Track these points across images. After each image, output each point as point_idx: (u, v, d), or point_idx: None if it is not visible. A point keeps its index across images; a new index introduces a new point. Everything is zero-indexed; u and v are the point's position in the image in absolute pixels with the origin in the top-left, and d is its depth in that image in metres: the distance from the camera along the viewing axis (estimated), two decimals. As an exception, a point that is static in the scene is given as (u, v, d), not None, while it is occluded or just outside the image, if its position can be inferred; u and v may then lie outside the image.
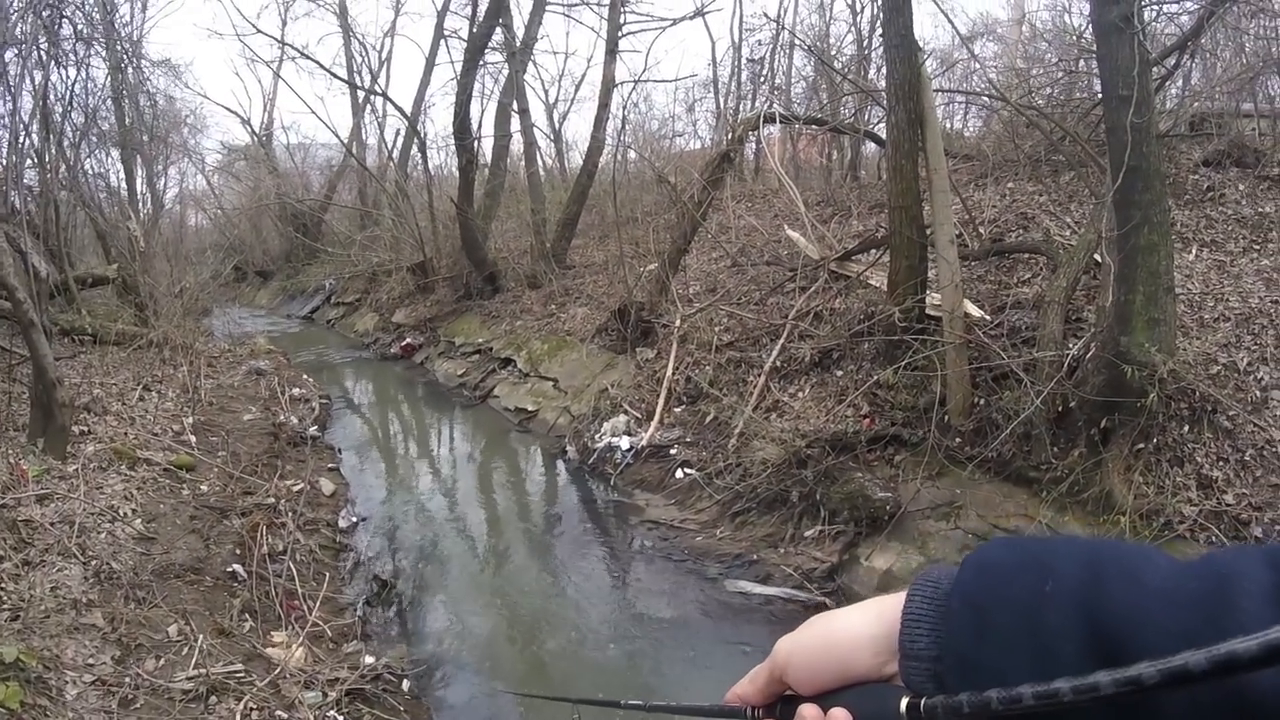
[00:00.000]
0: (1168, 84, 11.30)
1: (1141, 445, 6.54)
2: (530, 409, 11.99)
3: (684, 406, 9.95)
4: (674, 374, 10.29)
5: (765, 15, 21.36)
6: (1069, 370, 7.03)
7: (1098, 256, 7.85)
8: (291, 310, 25.98)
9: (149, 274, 14.35)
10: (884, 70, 9.34)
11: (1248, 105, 11.78)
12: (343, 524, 8.33)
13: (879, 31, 10.62)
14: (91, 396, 9.45)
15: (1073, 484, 6.59)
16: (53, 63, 13.05)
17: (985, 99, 14.05)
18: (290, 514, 7.87)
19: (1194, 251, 9.09)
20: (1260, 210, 9.49)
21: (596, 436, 10.04)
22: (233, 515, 7.56)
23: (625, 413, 10.21)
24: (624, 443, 9.65)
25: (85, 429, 8.53)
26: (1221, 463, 6.45)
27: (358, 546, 7.90)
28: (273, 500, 8.10)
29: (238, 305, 25.76)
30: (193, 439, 9.39)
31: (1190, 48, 10.63)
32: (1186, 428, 6.66)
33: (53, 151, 13.22)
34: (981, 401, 7.66)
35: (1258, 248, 8.97)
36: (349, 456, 10.79)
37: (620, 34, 18.05)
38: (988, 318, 8.44)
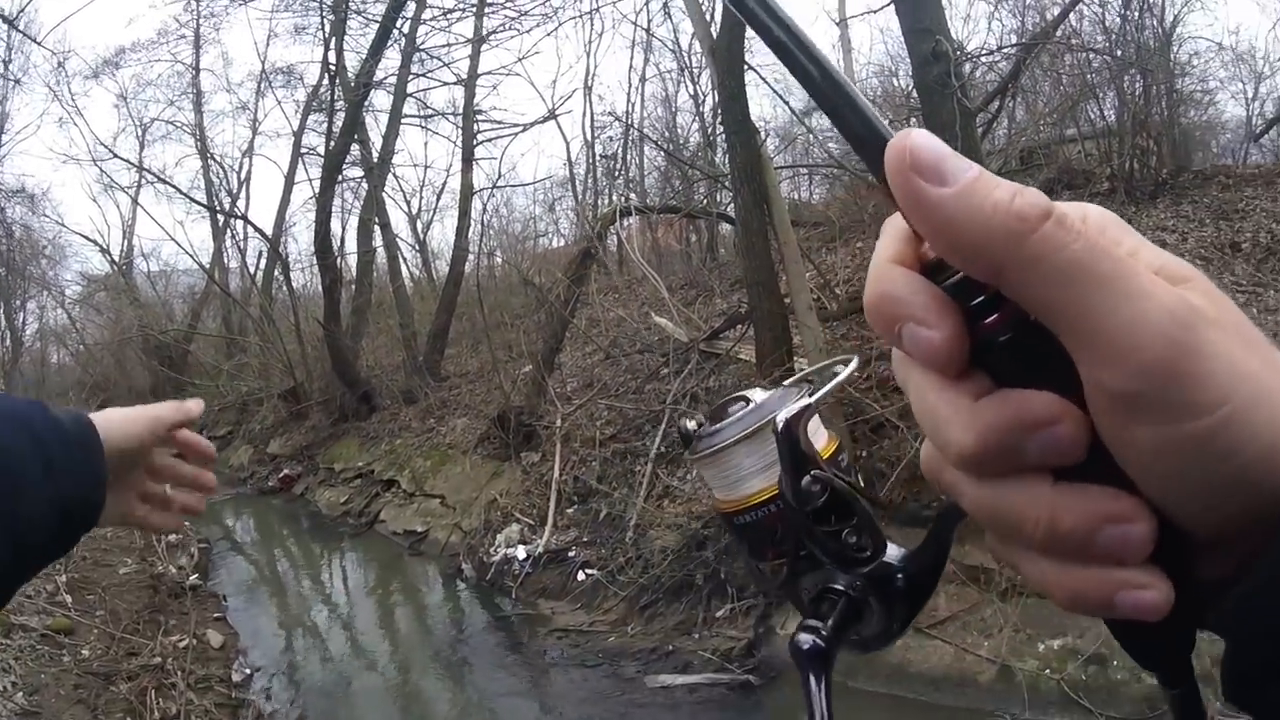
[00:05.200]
0: (995, 125, 12.02)
1: (1027, 463, 6.77)
2: (420, 530, 11.65)
3: (576, 507, 9.83)
4: (561, 475, 10.18)
5: (612, 114, 21.88)
6: (943, 410, 7.23)
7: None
8: (165, 448, 24.87)
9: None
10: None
11: (1071, 131, 12.63)
12: (236, 677, 7.83)
13: (721, 118, 11.05)
14: (-42, 559, 8.80)
15: (967, 514, 6.75)
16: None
17: (826, 168, 14.66)
18: (179, 673, 7.35)
19: (1043, 275, 9.60)
20: (1097, 225, 10.11)
21: (492, 550, 9.80)
22: (119, 680, 7.02)
23: (518, 521, 10.02)
24: (520, 552, 9.45)
25: (-45, 595, 7.94)
26: None
27: (256, 700, 7.43)
28: (159, 659, 7.56)
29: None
30: (69, 598, 8.77)
31: (1011, 89, 11.36)
32: (1067, 438, 6.95)
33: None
34: (863, 454, 7.81)
35: (1101, 259, 9.55)
36: (236, 603, 10.24)
37: (475, 142, 18.31)
38: (856, 373, 8.66)
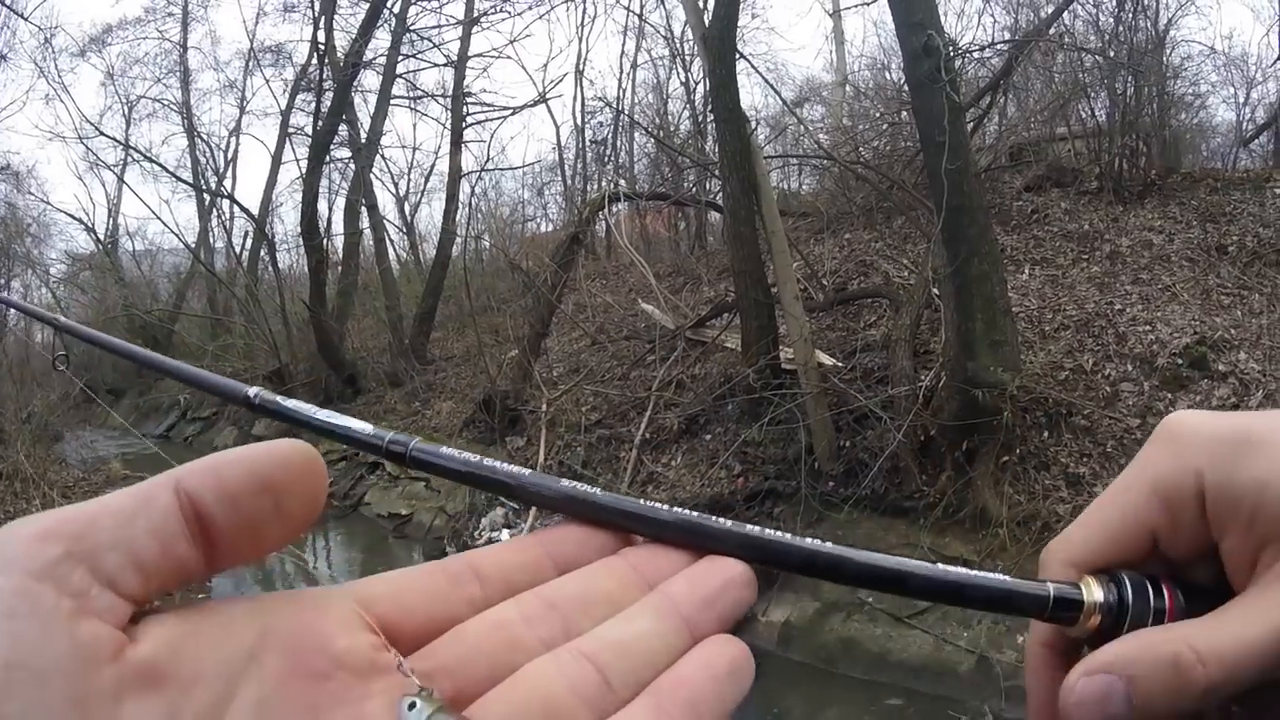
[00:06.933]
0: (985, 122, 12.04)
1: (1006, 458, 6.85)
2: (404, 512, 11.64)
3: (560, 491, 9.86)
4: (546, 459, 10.17)
5: (603, 100, 21.80)
6: (925, 401, 7.31)
7: (935, 291, 8.23)
8: (147, 429, 24.45)
9: (-6, 398, 13.45)
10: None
11: (1062, 129, 12.68)
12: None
13: (711, 106, 11.06)
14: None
15: (947, 506, 6.83)
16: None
17: (815, 160, 14.67)
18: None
19: (1027, 271, 9.65)
20: (1083, 224, 10.16)
21: (476, 533, 9.81)
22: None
23: (502, 505, 10.03)
24: (504, 536, 9.45)
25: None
26: (1085, 458, 6.87)
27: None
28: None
29: (90, 427, 24.25)
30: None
31: (1002, 86, 11.39)
32: (1045, 433, 7.06)
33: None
34: (847, 444, 7.87)
35: (1086, 257, 9.62)
36: (220, 582, 10.19)
37: (465, 125, 18.23)
38: (840, 364, 8.72)
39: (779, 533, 0.40)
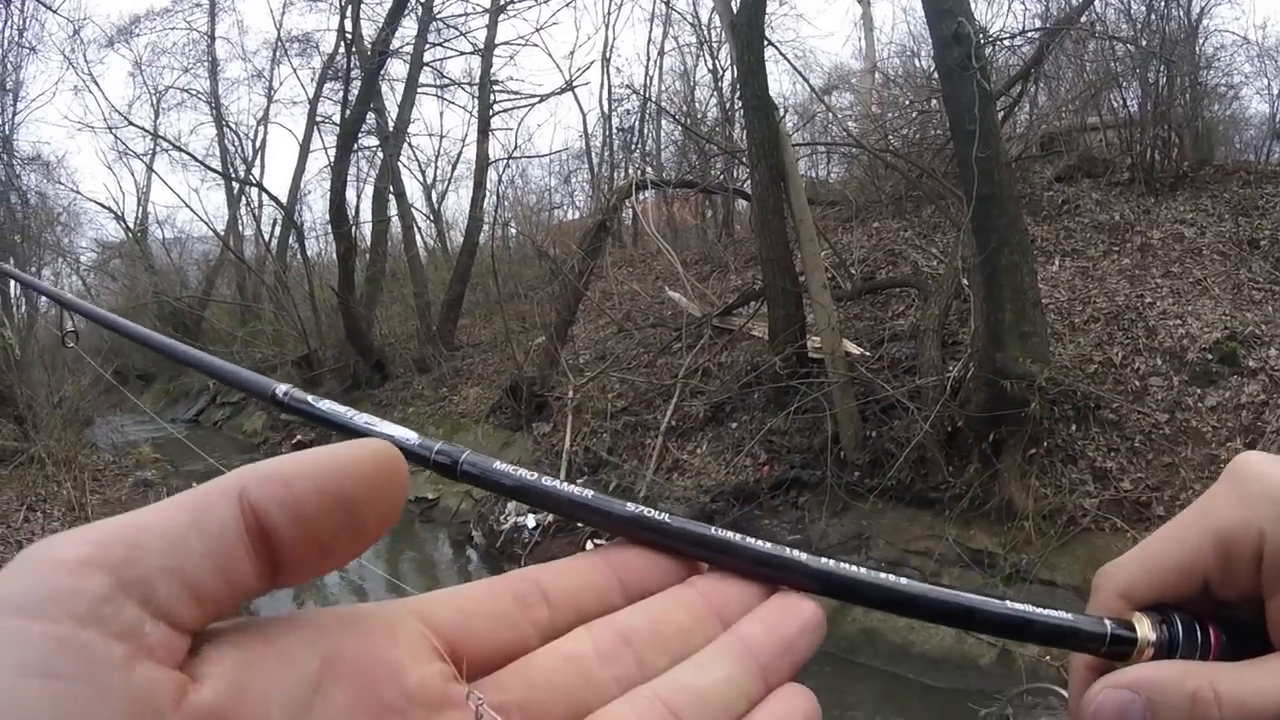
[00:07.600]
0: (1016, 110, 11.93)
1: (1033, 450, 6.82)
2: (431, 496, 11.73)
3: (585, 477, 9.89)
4: (572, 445, 10.24)
5: (630, 87, 21.75)
6: (952, 392, 7.28)
7: (964, 282, 8.19)
8: (176, 414, 24.79)
9: (27, 384, 13.62)
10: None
11: (1093, 119, 12.54)
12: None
13: (739, 93, 11.02)
14: (-25, 518, 8.96)
15: (973, 498, 6.81)
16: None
17: (844, 147, 14.59)
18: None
19: (1057, 262, 9.57)
20: (1114, 215, 10.05)
21: (502, 518, 9.89)
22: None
23: (528, 488, 10.08)
24: (530, 521, 9.52)
25: (-31, 555, 8.08)
26: (1113, 453, 6.82)
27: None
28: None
29: (120, 412, 24.56)
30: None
31: (1033, 74, 11.29)
32: (1074, 426, 7.02)
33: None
34: (873, 434, 7.86)
35: (1117, 249, 9.52)
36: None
37: (491, 113, 18.27)
38: (868, 354, 8.70)
39: (854, 566, 0.40)
